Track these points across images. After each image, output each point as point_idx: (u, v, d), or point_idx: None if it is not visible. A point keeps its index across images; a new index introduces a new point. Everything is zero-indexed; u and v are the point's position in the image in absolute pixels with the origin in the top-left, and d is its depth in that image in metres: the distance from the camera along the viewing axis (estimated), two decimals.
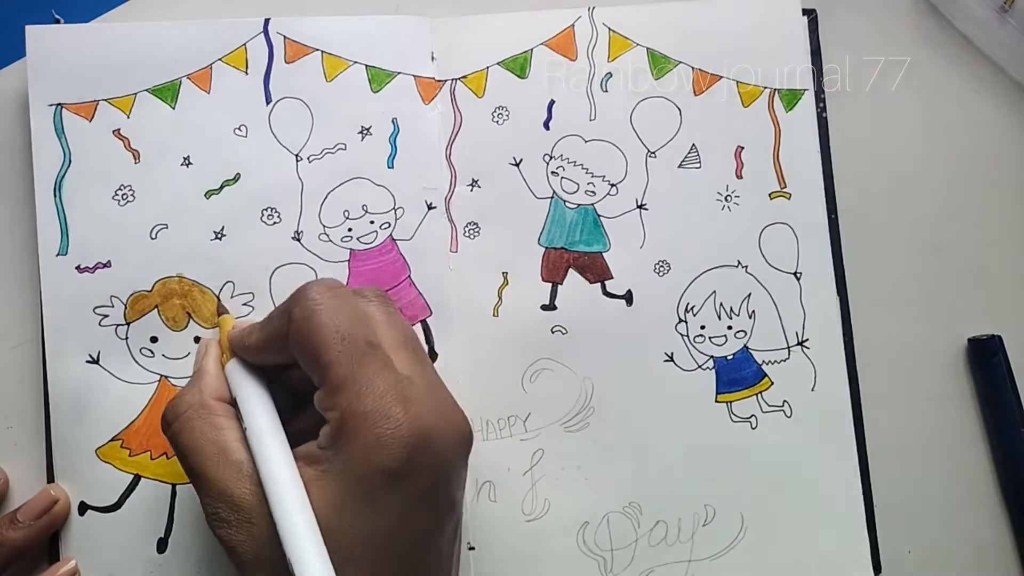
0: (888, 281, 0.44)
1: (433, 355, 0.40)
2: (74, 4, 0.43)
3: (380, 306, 0.34)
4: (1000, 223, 0.45)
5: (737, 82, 0.43)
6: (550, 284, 0.42)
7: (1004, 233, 0.45)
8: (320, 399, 0.31)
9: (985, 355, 0.43)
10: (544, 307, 0.41)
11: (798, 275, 0.42)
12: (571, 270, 0.42)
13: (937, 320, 0.44)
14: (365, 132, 0.41)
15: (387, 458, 0.29)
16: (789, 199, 0.42)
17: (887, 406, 0.43)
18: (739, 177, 0.42)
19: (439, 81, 0.42)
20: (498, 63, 0.42)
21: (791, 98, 0.43)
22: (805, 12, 0.44)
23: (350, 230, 0.41)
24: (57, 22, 0.42)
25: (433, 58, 0.42)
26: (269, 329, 0.33)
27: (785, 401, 0.41)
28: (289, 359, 0.32)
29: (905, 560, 0.42)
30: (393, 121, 0.42)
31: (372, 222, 0.41)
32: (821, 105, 0.44)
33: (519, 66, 0.42)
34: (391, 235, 0.41)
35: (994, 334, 0.43)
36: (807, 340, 0.42)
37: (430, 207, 0.41)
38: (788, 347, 0.42)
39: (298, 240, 0.41)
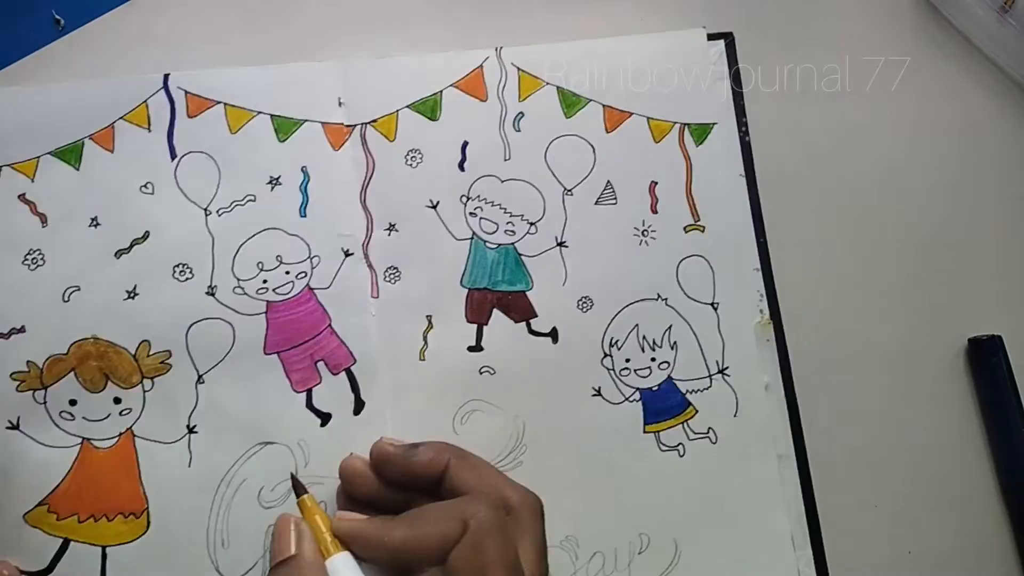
0: (888, 281, 0.45)
1: (360, 404, 0.40)
2: (74, 4, 0.42)
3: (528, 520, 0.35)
4: (1000, 223, 0.46)
5: (647, 118, 0.43)
6: (475, 325, 0.42)
7: (1004, 233, 0.46)
8: None
9: (985, 355, 0.44)
10: (471, 348, 0.41)
11: (715, 305, 0.43)
12: (495, 310, 0.42)
13: (937, 320, 0.45)
14: (274, 182, 0.41)
15: None
16: (703, 232, 0.43)
17: (887, 406, 0.43)
18: (654, 212, 0.43)
19: (348, 126, 0.42)
20: (408, 106, 0.42)
21: (701, 132, 0.43)
22: (721, 36, 0.45)
23: (265, 282, 0.40)
24: (57, 22, 0.42)
25: (341, 103, 0.42)
26: (430, 531, 0.33)
27: (710, 428, 0.42)
28: (430, 564, 0.33)
29: (905, 560, 0.43)
30: (303, 169, 0.41)
31: (288, 272, 0.41)
32: (743, 129, 0.44)
33: (430, 108, 0.42)
34: (308, 284, 0.41)
35: (994, 334, 0.44)
36: (727, 368, 0.42)
37: (347, 254, 0.41)
38: (710, 375, 0.42)
39: (212, 295, 0.40)
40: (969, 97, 0.46)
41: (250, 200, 0.41)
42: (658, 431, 0.42)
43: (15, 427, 0.39)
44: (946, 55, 0.47)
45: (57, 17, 0.42)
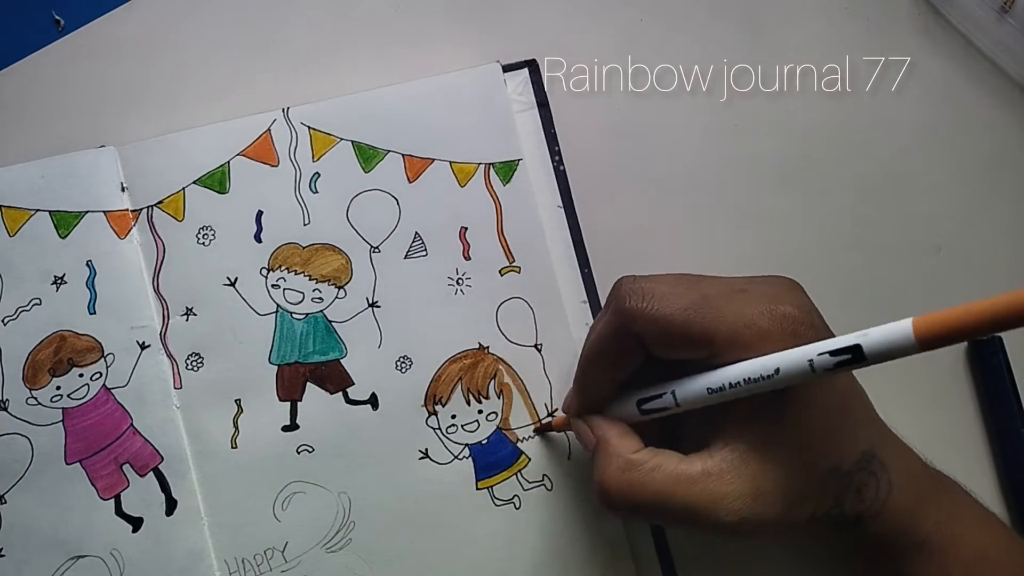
0: (888, 281, 0.44)
1: (172, 504, 0.38)
2: (74, 4, 0.42)
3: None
4: (1000, 223, 0.45)
5: (450, 162, 0.42)
6: (288, 403, 0.40)
7: (1004, 233, 0.45)
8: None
9: (985, 355, 0.43)
10: (285, 428, 0.40)
11: (539, 347, 0.41)
12: (309, 384, 0.40)
13: None
14: (59, 281, 0.39)
15: None
16: (519, 273, 0.41)
17: (886, 406, 0.41)
18: (467, 259, 0.41)
19: (134, 212, 0.40)
20: (194, 182, 0.40)
21: (506, 170, 0.42)
22: (524, 64, 0.43)
23: (59, 388, 0.38)
24: (57, 23, 0.41)
25: (124, 188, 0.40)
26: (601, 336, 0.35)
27: (544, 475, 0.40)
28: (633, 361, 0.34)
29: None
30: (88, 264, 0.39)
31: (81, 375, 0.39)
32: (557, 159, 0.43)
33: (218, 181, 0.40)
34: (104, 385, 0.39)
35: (994, 334, 0.43)
36: (556, 411, 0.41)
37: (143, 346, 0.39)
38: (540, 421, 0.41)
39: (5, 409, 0.38)
40: (969, 97, 0.46)
41: (35, 304, 0.39)
42: (491, 486, 0.40)
43: None
44: (946, 55, 0.46)
45: (57, 17, 0.42)
